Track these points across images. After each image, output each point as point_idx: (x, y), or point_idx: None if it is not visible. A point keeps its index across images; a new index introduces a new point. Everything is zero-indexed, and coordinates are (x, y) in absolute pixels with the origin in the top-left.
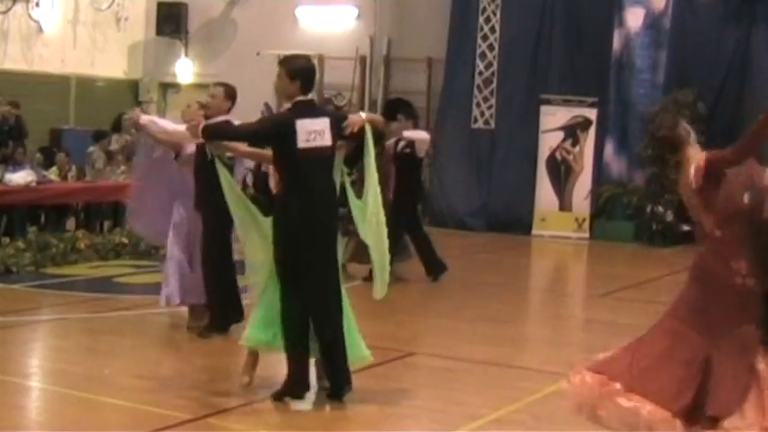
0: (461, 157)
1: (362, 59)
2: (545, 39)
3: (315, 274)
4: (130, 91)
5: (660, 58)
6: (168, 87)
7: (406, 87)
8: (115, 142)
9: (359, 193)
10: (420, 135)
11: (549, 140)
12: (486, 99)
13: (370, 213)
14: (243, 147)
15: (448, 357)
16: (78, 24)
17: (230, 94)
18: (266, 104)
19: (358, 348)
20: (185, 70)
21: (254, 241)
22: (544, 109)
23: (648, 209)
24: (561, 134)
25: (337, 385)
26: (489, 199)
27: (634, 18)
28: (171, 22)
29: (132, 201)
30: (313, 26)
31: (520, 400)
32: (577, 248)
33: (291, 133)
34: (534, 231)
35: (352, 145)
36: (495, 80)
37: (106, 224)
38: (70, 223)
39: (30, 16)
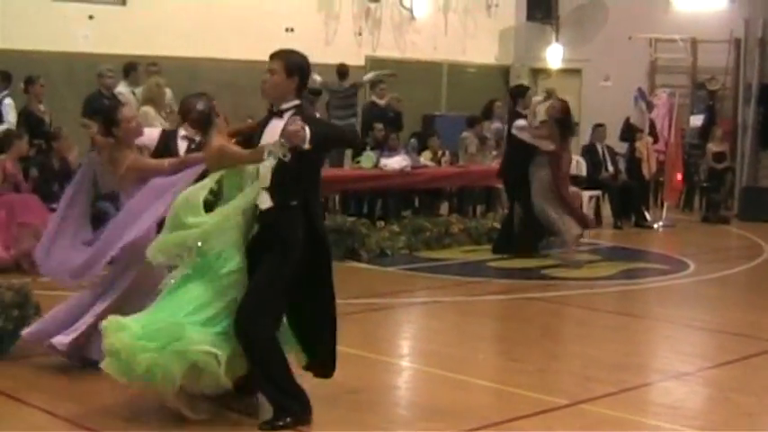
0: None
1: (737, 42)
2: None
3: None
4: (501, 77)
5: None
6: (539, 73)
7: None
8: (487, 128)
9: None
10: None
11: None
12: None
13: None
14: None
15: None
16: (449, 11)
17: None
18: (639, 89)
19: None
20: (556, 56)
21: None
22: None
23: None
24: None
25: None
26: None
27: None
28: (542, 7)
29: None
30: (686, 9)
31: None
32: None
33: None
34: None
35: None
36: None
37: (479, 208)
38: (443, 207)
39: (401, 4)
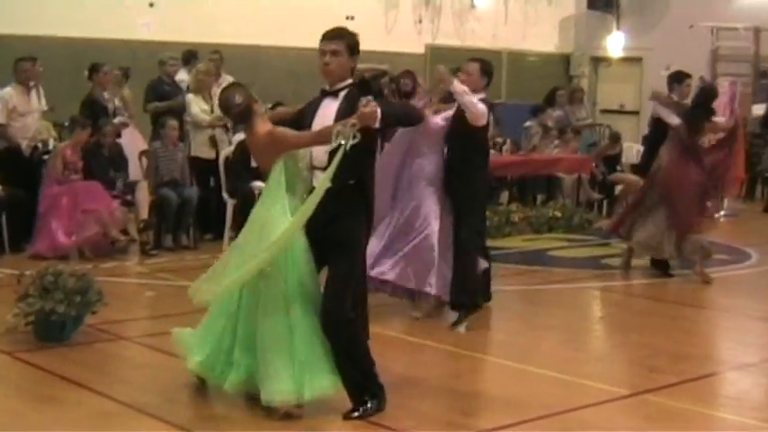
0: None
1: None
2: None
3: None
4: (561, 65)
5: None
6: (599, 61)
7: None
8: (550, 116)
9: None
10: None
11: None
12: None
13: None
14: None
15: None
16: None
17: (486, 70)
18: (702, 78)
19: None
20: (617, 44)
21: None
22: None
23: None
24: None
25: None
26: None
27: None
28: None
29: None
30: None
31: None
32: None
33: None
34: None
35: None
36: None
37: (539, 197)
38: (504, 196)
39: None
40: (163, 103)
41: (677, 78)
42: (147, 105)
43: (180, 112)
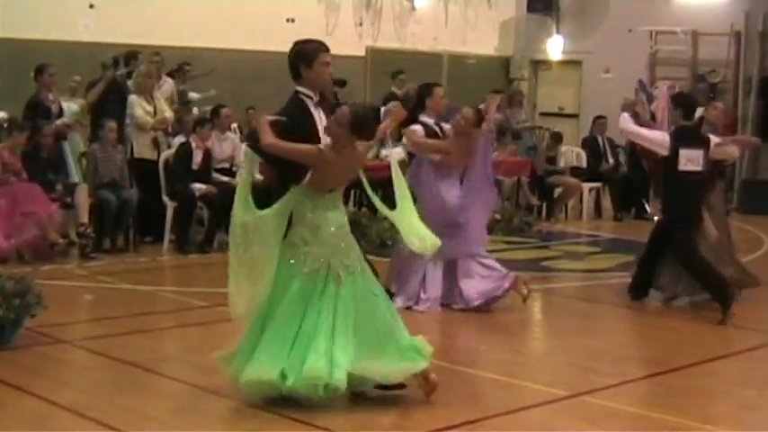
0: None
1: (737, 35)
2: None
3: None
4: (501, 68)
5: None
6: (539, 64)
7: None
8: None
9: None
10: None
11: None
12: None
13: None
14: None
15: None
16: (450, 2)
17: None
18: (640, 81)
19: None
20: (556, 47)
21: None
22: None
23: None
24: None
25: None
26: None
27: None
28: None
29: None
30: (686, 1)
31: None
32: None
33: None
34: None
35: None
36: None
37: None
38: None
39: None
40: (98, 85)
41: (689, 100)
42: (87, 95)
43: (118, 93)
